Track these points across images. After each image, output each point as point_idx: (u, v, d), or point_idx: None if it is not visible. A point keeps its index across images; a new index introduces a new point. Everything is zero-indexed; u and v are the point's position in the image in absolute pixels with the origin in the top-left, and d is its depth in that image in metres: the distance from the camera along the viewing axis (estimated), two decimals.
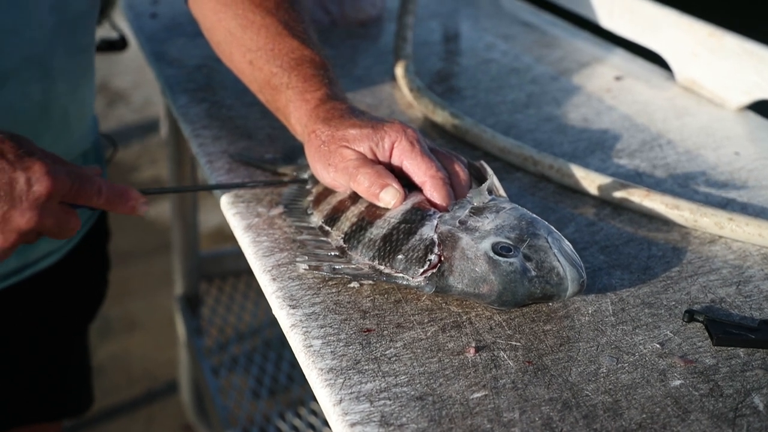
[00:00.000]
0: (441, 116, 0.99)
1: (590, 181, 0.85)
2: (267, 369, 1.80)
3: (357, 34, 1.32)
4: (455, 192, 0.74)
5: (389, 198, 0.72)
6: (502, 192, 0.74)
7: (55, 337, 1.10)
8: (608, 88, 1.14)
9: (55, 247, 0.98)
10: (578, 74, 1.19)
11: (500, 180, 0.76)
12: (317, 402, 0.67)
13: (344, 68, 1.18)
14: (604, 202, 0.85)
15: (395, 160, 0.74)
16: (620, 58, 1.25)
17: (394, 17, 1.29)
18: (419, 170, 0.73)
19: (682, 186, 0.89)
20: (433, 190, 0.72)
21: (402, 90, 1.08)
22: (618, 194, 0.83)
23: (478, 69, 1.20)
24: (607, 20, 1.27)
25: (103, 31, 1.38)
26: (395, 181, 0.73)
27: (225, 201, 0.83)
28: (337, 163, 0.74)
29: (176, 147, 1.68)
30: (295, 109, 0.80)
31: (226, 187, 0.81)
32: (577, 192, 0.87)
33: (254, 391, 1.74)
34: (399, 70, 1.10)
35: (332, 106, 0.78)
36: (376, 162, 0.74)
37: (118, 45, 1.32)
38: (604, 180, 0.84)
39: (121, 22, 1.41)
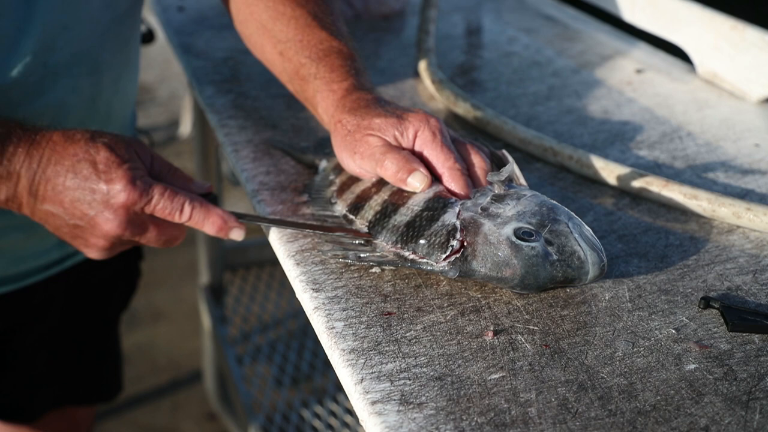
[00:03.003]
0: (462, 108, 1.00)
1: (609, 171, 0.86)
2: (289, 357, 1.82)
3: (380, 27, 1.34)
4: (474, 182, 0.75)
5: (417, 182, 0.74)
6: (522, 180, 0.76)
7: (91, 325, 1.14)
8: (629, 80, 1.15)
9: None
10: (599, 67, 1.19)
11: (521, 170, 0.77)
12: (339, 390, 0.68)
13: (368, 61, 1.19)
14: (622, 192, 0.86)
15: (417, 149, 0.76)
16: (642, 51, 1.25)
17: (417, 11, 1.31)
18: (438, 161, 0.75)
19: (701, 177, 0.90)
20: (451, 181, 0.74)
21: (424, 82, 1.10)
22: (637, 184, 0.84)
23: (499, 62, 1.21)
24: (628, 14, 1.28)
25: None
26: (422, 166, 0.74)
27: (250, 189, 0.85)
28: (363, 151, 0.76)
29: (202, 138, 1.70)
30: (322, 99, 0.82)
31: (305, 227, 0.77)
32: (596, 182, 0.88)
33: (277, 379, 1.77)
34: (421, 63, 1.12)
35: (358, 97, 0.80)
36: (401, 149, 0.76)
37: (145, 38, 1.35)
38: (623, 170, 0.85)
39: (148, 16, 1.44)
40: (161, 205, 0.71)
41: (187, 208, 0.72)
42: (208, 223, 0.73)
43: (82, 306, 1.09)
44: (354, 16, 1.35)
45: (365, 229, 0.74)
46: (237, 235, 0.74)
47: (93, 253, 0.74)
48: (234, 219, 0.74)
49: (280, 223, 0.77)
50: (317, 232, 0.76)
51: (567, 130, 1.00)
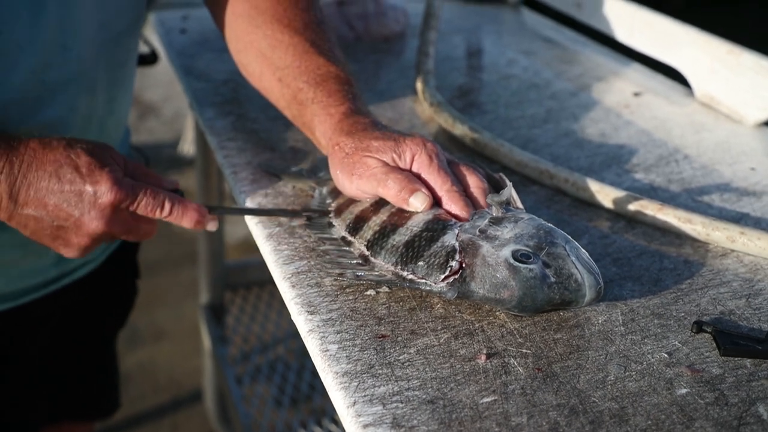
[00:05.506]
0: (460, 130, 1.01)
1: (605, 194, 0.87)
2: (289, 378, 1.82)
3: (381, 49, 1.35)
4: (473, 203, 0.76)
5: (419, 203, 0.75)
6: (519, 204, 0.76)
7: (88, 342, 1.14)
8: (627, 103, 1.15)
9: (92, 257, 1.02)
10: (597, 90, 1.20)
11: (517, 193, 0.78)
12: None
13: (367, 83, 1.20)
14: (618, 215, 0.86)
15: (415, 172, 0.77)
16: (639, 74, 1.26)
17: (417, 33, 1.32)
18: (436, 184, 0.76)
19: (696, 200, 0.90)
20: (450, 203, 0.75)
21: (423, 104, 1.11)
22: (632, 208, 0.85)
23: (498, 84, 1.22)
24: (627, 37, 1.29)
25: None
26: (423, 187, 0.75)
27: None
28: (362, 173, 0.77)
29: (204, 158, 1.71)
30: (320, 123, 0.83)
31: (276, 214, 0.84)
32: (592, 205, 0.88)
33: (276, 399, 1.77)
34: (420, 85, 1.13)
35: (356, 120, 0.81)
36: (401, 170, 0.77)
37: (148, 59, 1.36)
38: (619, 194, 0.86)
39: (151, 37, 1.45)
40: (144, 202, 0.75)
41: (167, 205, 0.76)
42: (186, 217, 0.78)
43: (79, 324, 1.10)
44: (355, 38, 1.37)
45: (364, 250, 0.75)
46: (212, 226, 0.80)
47: (72, 252, 0.78)
48: (207, 212, 0.79)
49: (249, 211, 0.84)
50: (287, 216, 0.82)
51: (564, 152, 1.01)
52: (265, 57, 0.89)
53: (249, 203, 0.87)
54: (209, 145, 1.05)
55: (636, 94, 1.18)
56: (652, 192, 0.92)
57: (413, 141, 0.77)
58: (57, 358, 1.09)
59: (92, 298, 1.09)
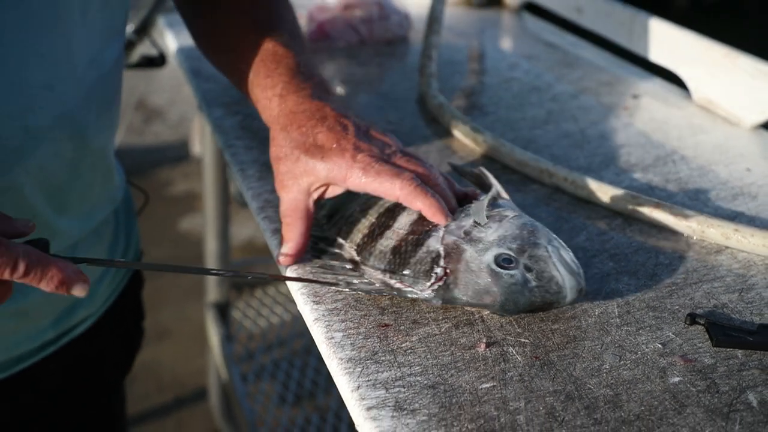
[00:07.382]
0: (462, 131, 1.04)
1: (603, 192, 0.89)
2: (293, 375, 1.85)
3: (384, 52, 1.37)
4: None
5: (281, 258, 0.77)
6: (504, 194, 0.78)
7: (93, 395, 1.06)
8: (626, 106, 1.18)
9: (92, 312, 0.96)
10: (597, 92, 1.23)
11: (516, 191, 0.80)
12: (342, 407, 0.70)
13: (371, 85, 1.23)
14: (615, 213, 0.89)
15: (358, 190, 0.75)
16: (638, 77, 1.29)
17: (420, 37, 1.34)
18: (386, 195, 0.74)
19: (692, 199, 0.92)
20: (410, 204, 0.73)
21: (426, 106, 1.13)
22: (629, 205, 0.87)
23: (500, 87, 1.24)
24: (626, 41, 1.31)
25: (144, 48, 1.45)
26: (296, 247, 0.76)
27: (255, 206, 0.88)
28: (279, 191, 0.78)
29: (212, 160, 1.73)
30: (262, 109, 0.83)
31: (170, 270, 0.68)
32: (590, 203, 0.91)
33: (281, 396, 1.79)
34: (423, 87, 1.15)
35: (291, 110, 0.79)
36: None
37: (157, 62, 1.39)
38: (616, 192, 0.88)
39: (160, 40, 1.48)
40: None
41: (21, 264, 0.58)
42: (45, 278, 0.59)
43: (82, 378, 1.01)
44: (359, 42, 1.39)
45: (354, 254, 0.76)
46: (80, 290, 0.60)
47: None
48: (78, 271, 0.60)
49: (129, 265, 0.73)
50: (164, 270, 0.70)
51: (563, 153, 1.03)
52: (216, 46, 0.90)
53: (255, 200, 0.89)
54: (216, 146, 1.07)
55: (635, 97, 1.21)
56: (649, 191, 0.94)
57: (338, 165, 0.74)
58: (61, 416, 1.01)
59: (94, 350, 1.00)
